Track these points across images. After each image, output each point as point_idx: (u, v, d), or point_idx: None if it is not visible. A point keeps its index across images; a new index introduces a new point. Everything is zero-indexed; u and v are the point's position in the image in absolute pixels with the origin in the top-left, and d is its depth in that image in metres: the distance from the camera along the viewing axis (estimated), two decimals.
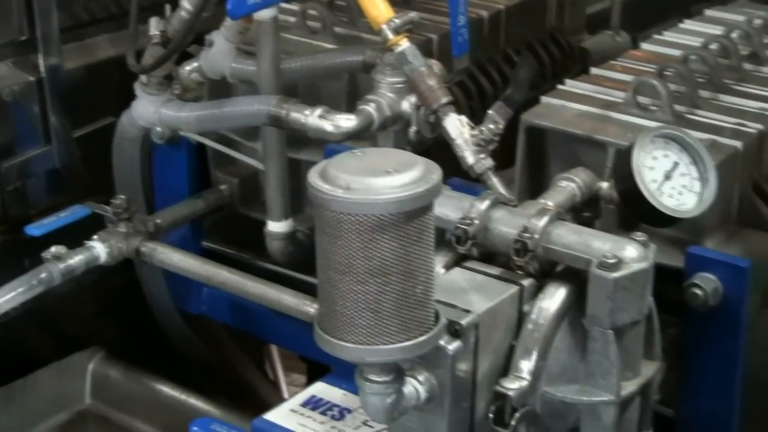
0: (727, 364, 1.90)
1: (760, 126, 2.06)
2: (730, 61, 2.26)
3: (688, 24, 2.50)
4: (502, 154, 2.04)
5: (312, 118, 2.06)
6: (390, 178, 1.47)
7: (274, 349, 3.39)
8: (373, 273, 1.47)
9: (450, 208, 1.75)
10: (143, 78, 2.21)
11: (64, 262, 2.18)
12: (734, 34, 2.32)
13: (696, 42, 2.34)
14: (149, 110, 2.23)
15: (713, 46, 2.28)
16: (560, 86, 2.22)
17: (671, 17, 2.65)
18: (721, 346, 1.90)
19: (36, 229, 2.33)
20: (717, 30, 2.38)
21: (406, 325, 1.51)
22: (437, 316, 1.56)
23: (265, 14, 2.14)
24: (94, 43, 2.52)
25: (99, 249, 2.23)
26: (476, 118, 2.01)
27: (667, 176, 1.83)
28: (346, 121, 2.05)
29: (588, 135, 2.03)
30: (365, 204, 1.45)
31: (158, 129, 2.32)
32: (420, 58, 2.01)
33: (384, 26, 2.00)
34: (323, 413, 1.95)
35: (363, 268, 1.48)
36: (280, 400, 2.55)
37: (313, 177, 1.49)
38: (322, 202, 1.47)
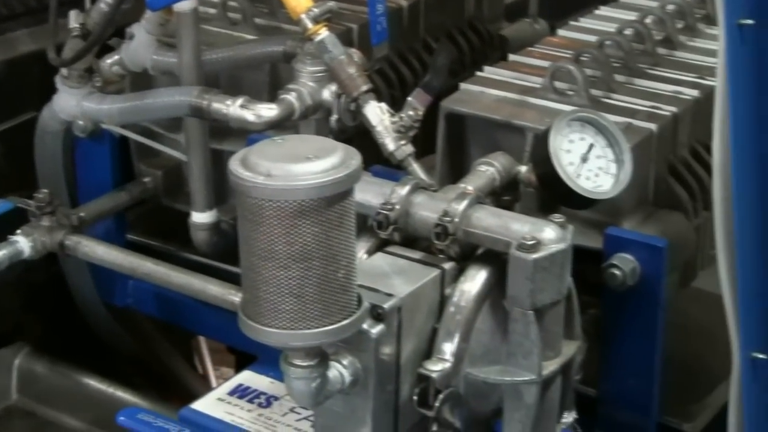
0: (646, 342, 1.94)
1: (674, 109, 2.09)
2: (644, 46, 2.29)
3: (603, 10, 2.53)
4: (424, 140, 2.05)
5: (233, 108, 2.06)
6: (310, 164, 1.48)
7: (203, 342, 3.39)
8: (296, 258, 1.49)
9: (371, 194, 1.77)
10: (64, 71, 2.20)
11: None
12: (648, 20, 2.35)
13: (611, 28, 2.36)
14: (71, 103, 2.23)
15: (628, 32, 2.31)
16: (479, 73, 2.23)
17: (590, 4, 2.67)
18: (640, 325, 1.93)
19: None
20: (632, 15, 2.41)
21: (329, 309, 1.52)
22: (360, 301, 1.57)
23: (184, 6, 2.14)
24: (13, 37, 2.50)
25: (23, 243, 2.21)
26: (397, 105, 2.02)
27: (584, 159, 1.86)
28: (268, 111, 2.05)
29: (506, 120, 2.05)
30: (286, 190, 1.47)
31: (80, 122, 2.32)
32: (339, 47, 2.01)
33: (303, 16, 2.00)
34: (250, 401, 1.96)
35: (285, 254, 1.49)
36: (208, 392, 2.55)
37: (234, 165, 1.50)
38: (244, 189, 1.48)
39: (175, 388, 2.94)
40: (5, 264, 2.19)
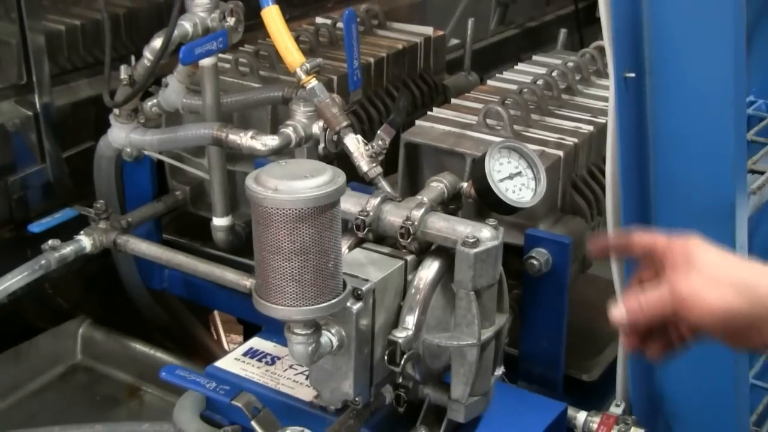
0: (555, 315, 1.93)
1: (575, 140, 2.09)
2: (552, 93, 2.28)
3: (521, 66, 2.52)
4: (389, 163, 2.03)
5: (245, 138, 2.04)
6: (307, 181, 1.47)
7: (218, 316, 3.36)
8: (296, 252, 1.47)
9: (351, 203, 1.75)
10: (116, 111, 2.18)
11: (59, 251, 2.15)
12: (554, 73, 2.35)
13: (527, 79, 2.35)
14: (121, 136, 2.20)
15: (540, 82, 2.30)
16: (429, 113, 2.22)
17: (507, 62, 2.67)
18: (551, 302, 1.93)
19: (36, 227, 2.29)
20: (542, 70, 2.40)
21: (321, 291, 1.51)
22: (344, 284, 1.56)
23: (207, 61, 2.13)
24: (76, 85, 2.47)
25: (85, 241, 2.19)
26: (367, 137, 2.00)
27: (511, 177, 1.84)
28: (271, 141, 2.03)
29: (451, 148, 2.04)
30: (289, 201, 1.45)
31: (128, 150, 2.29)
32: (325, 93, 2.00)
33: (298, 69, 1.98)
34: (259, 360, 1.93)
35: (288, 249, 1.47)
36: (223, 353, 2.52)
37: (250, 181, 1.48)
38: (257, 200, 1.47)
39: (198, 351, 2.91)
40: (72, 257, 2.17)
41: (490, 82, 2.42)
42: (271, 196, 1.45)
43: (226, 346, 3.29)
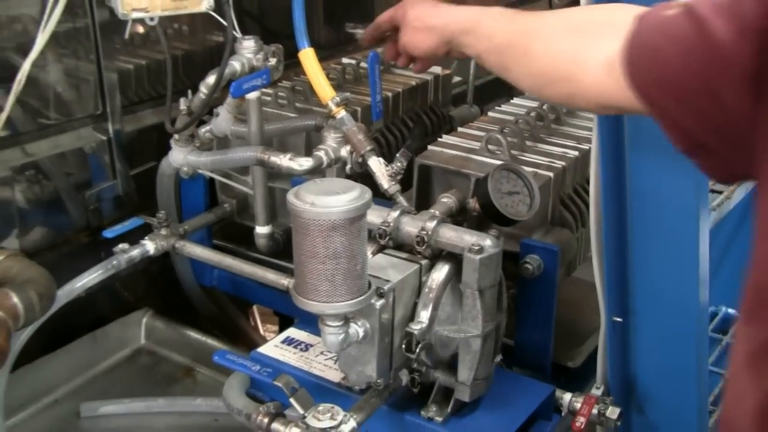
0: (545, 311, 1.92)
1: (563, 163, 2.07)
2: (543, 123, 2.27)
3: (516, 100, 2.51)
4: (405, 182, 2.03)
5: (284, 160, 2.04)
6: (339, 197, 1.47)
7: (256, 309, 3.35)
8: (330, 257, 1.47)
9: (375, 216, 1.74)
10: (175, 136, 2.18)
11: (128, 254, 2.13)
12: (545, 106, 2.33)
13: (522, 111, 2.35)
14: (179, 157, 2.20)
15: (533, 114, 2.29)
16: (439, 139, 2.21)
17: (504, 97, 2.66)
18: (542, 300, 1.91)
19: (109, 233, 2.28)
20: (534, 104, 2.39)
21: (350, 290, 1.51)
22: (369, 284, 1.56)
23: (253, 95, 2.12)
24: (142, 114, 2.47)
25: (149, 245, 2.18)
26: (387, 159, 1.99)
27: (509, 194, 1.83)
28: (306, 162, 2.03)
29: (458, 169, 2.03)
30: (324, 213, 1.45)
31: (185, 169, 2.28)
32: (352, 121, 1.99)
33: (329, 101, 1.97)
34: (295, 347, 1.93)
35: (323, 254, 1.47)
36: (261, 341, 2.53)
37: (291, 197, 1.48)
38: (296, 213, 1.46)
39: (240, 338, 2.90)
40: (138, 258, 2.16)
41: (490, 114, 2.41)
42: (308, 209, 1.45)
43: (263, 334, 3.28)
